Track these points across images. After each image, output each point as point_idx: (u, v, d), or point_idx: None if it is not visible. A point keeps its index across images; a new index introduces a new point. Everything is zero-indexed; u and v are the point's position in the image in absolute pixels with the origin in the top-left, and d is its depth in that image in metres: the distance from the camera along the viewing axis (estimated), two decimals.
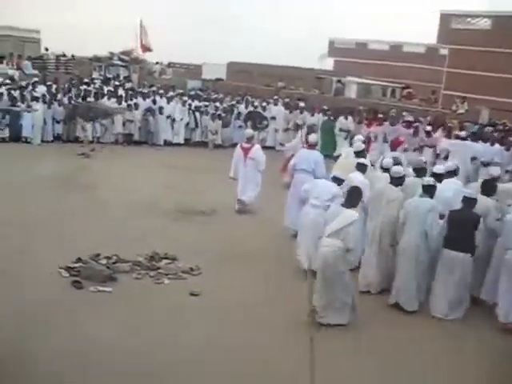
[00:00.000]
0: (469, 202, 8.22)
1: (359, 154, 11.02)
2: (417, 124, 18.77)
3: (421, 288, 8.38)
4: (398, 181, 8.95)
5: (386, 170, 9.84)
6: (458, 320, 8.18)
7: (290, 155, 14.98)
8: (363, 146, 11.71)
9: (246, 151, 12.78)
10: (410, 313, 8.26)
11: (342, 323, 7.59)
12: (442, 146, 16.31)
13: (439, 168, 9.85)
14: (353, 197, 7.87)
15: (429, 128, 18.01)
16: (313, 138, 12.08)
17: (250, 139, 13.03)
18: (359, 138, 13.15)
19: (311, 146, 11.76)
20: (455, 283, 8.11)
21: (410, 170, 10.14)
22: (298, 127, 16.37)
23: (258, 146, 13.06)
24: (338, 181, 9.26)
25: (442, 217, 8.40)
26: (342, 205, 7.84)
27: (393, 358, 6.94)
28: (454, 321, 8.14)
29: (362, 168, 9.91)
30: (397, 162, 10.02)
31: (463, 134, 16.50)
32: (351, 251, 7.51)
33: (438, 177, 9.32)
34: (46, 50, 29.47)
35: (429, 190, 8.46)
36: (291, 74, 31.47)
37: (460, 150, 15.46)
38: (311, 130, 16.05)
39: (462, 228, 8.06)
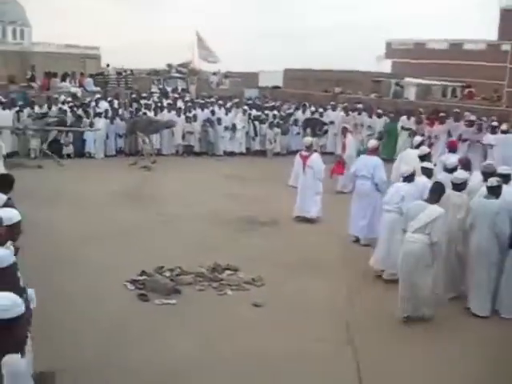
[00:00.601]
0: None
1: (424, 157, 10.81)
2: (480, 122, 18.38)
3: (491, 291, 8.15)
4: (459, 186, 8.69)
5: (449, 170, 9.60)
6: None
7: (340, 159, 14.97)
8: (428, 149, 11.52)
9: (304, 159, 12.72)
10: (481, 317, 8.06)
11: (422, 316, 7.78)
12: (487, 141, 16.14)
13: (505, 169, 9.49)
14: (436, 192, 7.90)
15: (495, 123, 17.52)
16: (372, 143, 11.92)
17: (308, 147, 12.94)
18: (418, 139, 12.93)
19: (371, 152, 11.61)
20: None
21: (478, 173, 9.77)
22: (344, 131, 16.14)
23: (316, 155, 12.95)
24: (408, 178, 9.17)
25: None
26: (425, 200, 7.88)
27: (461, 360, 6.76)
28: None
29: (427, 172, 9.62)
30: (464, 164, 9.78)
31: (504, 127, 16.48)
32: (437, 244, 7.64)
33: (504, 177, 8.97)
34: (108, 65, 30.24)
35: (495, 191, 8.17)
36: (348, 78, 31.22)
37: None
38: (381, 135, 16.21)
39: None
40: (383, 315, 7.98)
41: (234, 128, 21.25)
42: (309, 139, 13.71)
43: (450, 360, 6.85)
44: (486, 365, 6.90)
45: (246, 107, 22.71)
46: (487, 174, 8.99)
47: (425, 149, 11.29)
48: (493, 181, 8.33)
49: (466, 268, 8.47)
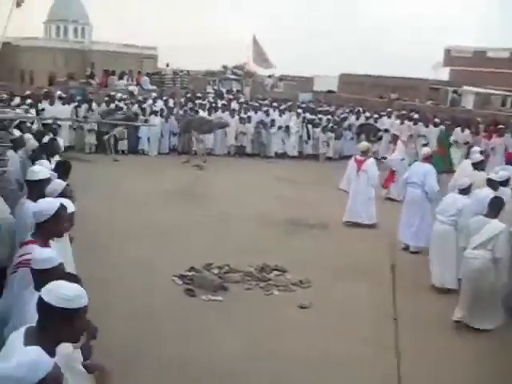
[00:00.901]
0: None
1: (477, 165, 10.57)
2: None
3: None
4: None
5: (502, 183, 9.31)
6: None
7: (391, 168, 14.87)
8: (481, 157, 11.26)
9: (359, 164, 12.61)
10: None
11: (490, 328, 7.61)
12: None
13: None
14: (495, 207, 7.71)
15: None
16: (426, 150, 11.82)
17: (364, 152, 12.82)
18: (476, 149, 12.64)
19: (425, 159, 11.43)
20: None
21: None
22: (395, 138, 16.05)
23: (372, 160, 12.83)
24: (464, 191, 8.91)
25: None
26: (485, 215, 7.71)
27: None
28: None
29: (492, 184, 9.14)
30: None
31: None
32: (500, 260, 7.47)
33: None
34: (167, 65, 30.70)
35: None
36: (404, 84, 30.83)
37: None
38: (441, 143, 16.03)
39: None
40: (431, 322, 7.83)
41: (287, 130, 21.25)
42: (365, 144, 13.61)
43: (494, 372, 6.67)
44: None
45: (299, 110, 22.68)
46: None
47: (479, 156, 11.02)
48: None
49: None
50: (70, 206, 5.10)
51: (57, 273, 3.62)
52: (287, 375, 6.30)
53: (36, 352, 2.69)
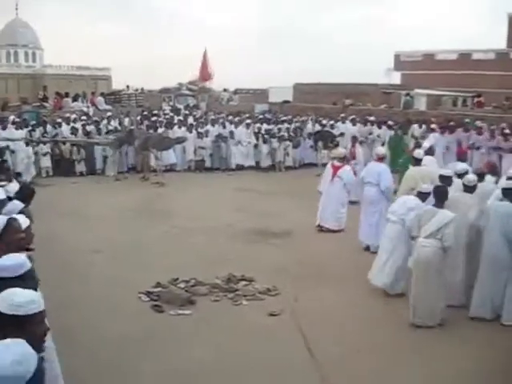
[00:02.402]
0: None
1: (418, 161, 10.99)
2: (492, 128, 18.39)
3: (499, 295, 7.98)
4: (471, 189, 8.64)
5: (460, 176, 9.51)
6: None
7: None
8: (422, 153, 11.45)
9: (335, 169, 12.73)
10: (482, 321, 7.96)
11: (432, 325, 7.70)
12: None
13: None
14: (442, 196, 7.92)
15: (507, 131, 17.51)
16: (380, 150, 12.05)
17: (342, 159, 12.92)
18: (425, 145, 12.88)
19: (379, 159, 11.64)
20: None
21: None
22: (354, 141, 16.31)
23: (348, 167, 12.94)
24: (424, 196, 8.69)
25: None
26: (434, 205, 7.90)
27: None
28: None
29: (446, 181, 9.04)
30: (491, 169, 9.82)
31: None
32: (449, 249, 7.64)
33: None
34: (127, 87, 30.60)
35: (509, 194, 8.09)
36: (357, 90, 31.26)
37: None
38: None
39: None
40: (392, 322, 7.92)
41: (240, 142, 21.31)
42: (342, 151, 13.65)
43: (456, 366, 6.79)
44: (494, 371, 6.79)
45: (248, 121, 22.66)
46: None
47: (420, 152, 11.28)
48: (509, 183, 8.29)
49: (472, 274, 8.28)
50: (25, 221, 5.03)
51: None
52: (257, 381, 6.30)
53: (22, 345, 2.69)
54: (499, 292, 7.96)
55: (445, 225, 7.56)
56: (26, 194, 6.92)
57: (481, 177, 9.34)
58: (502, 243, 7.88)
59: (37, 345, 3.04)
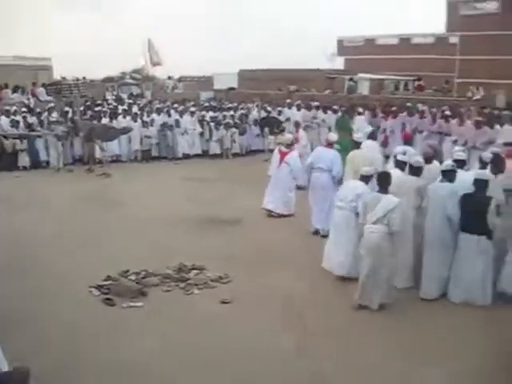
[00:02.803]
0: (480, 184, 8.10)
1: (358, 144, 11.47)
2: (434, 111, 18.82)
3: (445, 273, 8.31)
4: (417, 171, 8.86)
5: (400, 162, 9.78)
6: (483, 307, 8.05)
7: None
8: (362, 137, 11.89)
9: (283, 155, 12.82)
10: (431, 301, 8.26)
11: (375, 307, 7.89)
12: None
13: (460, 154, 9.71)
14: (385, 181, 8.02)
15: (448, 113, 17.97)
16: (331, 136, 12.13)
17: (289, 145, 13.03)
18: (367, 130, 13.14)
19: (329, 145, 11.77)
20: (476, 268, 8.03)
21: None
22: (297, 126, 16.60)
23: (296, 153, 13.05)
24: (366, 178, 8.96)
25: None
26: (378, 191, 8.01)
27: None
28: (478, 308, 8.04)
29: (400, 165, 9.41)
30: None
31: None
32: (397, 233, 7.78)
33: (460, 163, 9.19)
34: (64, 78, 29.85)
35: (448, 175, 8.42)
36: (302, 76, 31.52)
37: None
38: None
39: (475, 211, 7.95)
40: (345, 306, 8.05)
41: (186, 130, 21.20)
42: (289, 137, 13.74)
43: (403, 345, 7.01)
44: (444, 351, 7.04)
45: (192, 109, 22.57)
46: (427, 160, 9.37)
47: (360, 136, 11.65)
48: (447, 165, 8.57)
49: (419, 255, 8.59)
50: None
51: None
52: (211, 370, 6.35)
53: None
54: (445, 271, 8.26)
55: (390, 210, 7.69)
56: None
57: (428, 161, 9.55)
58: (444, 224, 8.16)
59: None
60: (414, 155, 9.80)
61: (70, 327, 7.32)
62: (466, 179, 8.51)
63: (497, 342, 7.09)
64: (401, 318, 7.76)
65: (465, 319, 7.72)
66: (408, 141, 13.32)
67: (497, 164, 9.06)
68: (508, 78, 30.40)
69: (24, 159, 18.87)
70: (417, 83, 31.16)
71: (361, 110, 20.49)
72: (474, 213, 7.95)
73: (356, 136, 11.94)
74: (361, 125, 17.47)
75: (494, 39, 34.56)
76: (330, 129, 20.08)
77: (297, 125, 16.80)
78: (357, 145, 11.49)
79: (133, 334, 7.21)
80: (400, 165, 9.39)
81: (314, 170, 11.49)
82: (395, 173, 9.01)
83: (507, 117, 17.04)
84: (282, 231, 11.66)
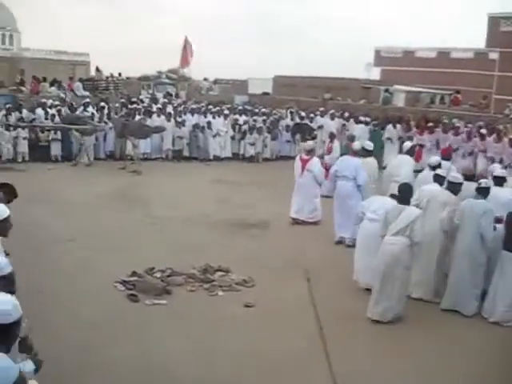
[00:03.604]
0: None
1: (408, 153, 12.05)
2: (469, 128, 18.53)
3: (477, 291, 8.21)
4: (455, 187, 8.73)
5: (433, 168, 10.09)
6: None
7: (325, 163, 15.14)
8: (410, 145, 12.59)
9: (304, 163, 12.74)
10: (466, 317, 8.14)
11: (385, 320, 7.78)
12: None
13: (500, 171, 9.58)
14: (406, 193, 7.97)
15: (483, 131, 17.67)
16: (356, 145, 12.20)
17: (310, 151, 12.93)
18: (407, 144, 13.03)
19: (354, 153, 11.73)
20: None
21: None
22: (332, 136, 16.62)
23: (316, 159, 13.02)
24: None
25: (499, 220, 8.23)
26: (399, 202, 7.92)
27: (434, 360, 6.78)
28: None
29: (439, 180, 9.27)
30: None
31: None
32: (417, 245, 7.73)
33: (499, 180, 9.07)
34: (98, 69, 30.15)
35: (483, 192, 8.31)
36: (337, 84, 31.36)
37: None
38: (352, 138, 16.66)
39: None
40: (362, 316, 7.96)
41: (218, 133, 21.28)
42: (310, 143, 13.71)
43: (417, 354, 6.95)
44: (463, 365, 6.90)
45: (226, 112, 22.65)
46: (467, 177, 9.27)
47: (409, 144, 11.57)
48: (482, 182, 8.46)
49: (448, 269, 8.50)
50: (4, 210, 4.99)
51: None
52: (230, 372, 6.33)
53: (2, 359, 2.70)
54: (476, 286, 8.19)
55: (412, 221, 7.61)
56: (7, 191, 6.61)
57: (467, 179, 9.33)
58: (476, 241, 8.06)
59: (23, 345, 3.09)
60: (451, 170, 9.79)
61: (93, 322, 7.35)
62: (501, 196, 8.38)
63: None
64: (417, 328, 7.69)
65: (483, 335, 7.62)
66: (447, 157, 13.09)
67: None
68: None
69: (57, 149, 19.09)
70: (453, 96, 30.75)
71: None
72: None
73: (354, 144, 12.34)
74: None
75: None
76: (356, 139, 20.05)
77: (331, 136, 16.77)
78: (368, 153, 12.00)
79: (156, 331, 7.22)
80: (438, 179, 9.24)
81: (339, 179, 11.47)
82: (431, 186, 9.01)
83: None
84: (308, 238, 11.60)
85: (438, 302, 8.47)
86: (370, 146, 12.44)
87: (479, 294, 8.23)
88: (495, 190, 8.59)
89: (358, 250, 9.25)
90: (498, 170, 9.66)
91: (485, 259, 8.16)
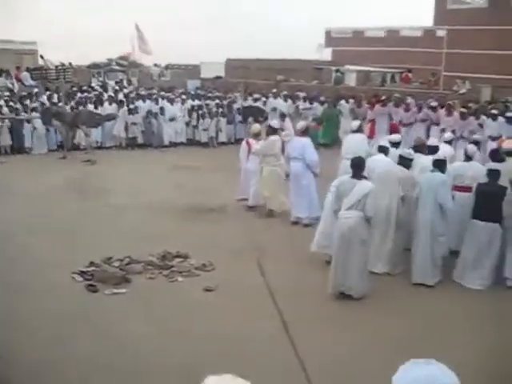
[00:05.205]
0: (494, 174, 8.45)
1: (356, 131, 12.36)
2: (420, 102, 19.08)
3: (439, 262, 8.54)
4: (407, 162, 8.96)
5: (394, 145, 10.55)
6: (488, 289, 8.35)
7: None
8: (358, 123, 12.81)
9: (250, 146, 12.76)
10: (431, 287, 8.44)
11: (356, 296, 7.92)
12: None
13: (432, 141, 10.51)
14: (360, 167, 8.06)
15: (434, 104, 18.24)
16: (300, 124, 12.29)
17: (256, 135, 12.88)
18: (355, 123, 13.22)
19: (302, 133, 11.85)
20: (485, 253, 8.37)
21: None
22: (282, 116, 16.88)
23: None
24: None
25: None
26: (352, 177, 7.98)
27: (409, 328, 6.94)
28: (482, 290, 8.35)
29: (384, 150, 10.19)
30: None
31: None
32: (371, 219, 7.83)
33: (432, 148, 9.76)
34: (41, 57, 29.42)
35: (439, 165, 8.59)
36: (289, 66, 31.42)
37: None
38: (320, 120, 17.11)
39: (489, 199, 8.32)
40: (323, 295, 8.07)
41: (174, 118, 21.13)
42: (257, 126, 13.65)
43: (383, 331, 7.07)
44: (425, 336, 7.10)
45: (184, 97, 22.59)
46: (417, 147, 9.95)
47: (397, 137, 11.60)
48: (439, 155, 8.79)
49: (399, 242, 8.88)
50: None
51: None
52: (192, 355, 6.34)
53: None
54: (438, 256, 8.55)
55: (365, 195, 7.71)
56: None
57: (419, 149, 9.95)
58: (436, 211, 8.37)
59: None
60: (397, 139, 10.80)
61: (52, 313, 7.29)
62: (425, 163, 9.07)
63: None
64: (382, 304, 7.83)
65: (455, 303, 7.88)
66: (395, 132, 13.36)
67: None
68: (494, 72, 30.55)
69: (6, 139, 18.60)
70: (404, 74, 31.16)
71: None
72: (487, 201, 8.30)
73: (298, 124, 12.55)
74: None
75: (481, 33, 34.68)
76: (314, 119, 20.33)
77: (282, 115, 17.02)
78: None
79: (116, 320, 7.20)
80: (382, 149, 10.05)
81: (291, 160, 11.55)
82: (381, 161, 9.23)
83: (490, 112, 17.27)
84: (265, 221, 11.67)
85: (395, 275, 8.77)
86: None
87: (441, 264, 8.57)
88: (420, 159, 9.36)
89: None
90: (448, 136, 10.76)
91: (444, 229, 8.49)
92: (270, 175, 11.72)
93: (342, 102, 21.80)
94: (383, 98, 19.98)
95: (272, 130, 12.15)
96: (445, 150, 9.95)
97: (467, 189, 9.04)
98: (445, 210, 8.37)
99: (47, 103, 19.97)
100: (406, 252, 8.95)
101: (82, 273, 8.57)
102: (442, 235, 8.47)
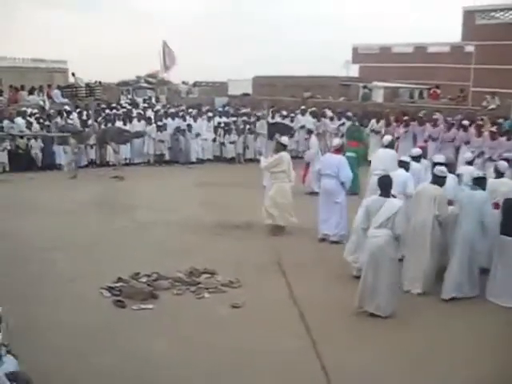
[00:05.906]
0: None
1: (387, 146, 12.12)
2: (449, 120, 18.90)
3: (476, 278, 8.55)
4: (440, 180, 8.88)
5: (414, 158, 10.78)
6: None
7: (306, 163, 15.33)
8: (390, 138, 12.59)
9: None
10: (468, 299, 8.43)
11: (384, 315, 7.83)
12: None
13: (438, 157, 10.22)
14: (387, 185, 8.03)
15: (466, 122, 17.94)
16: (336, 141, 12.22)
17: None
18: (387, 138, 13.12)
19: (336, 151, 11.77)
20: None
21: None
22: (309, 133, 16.96)
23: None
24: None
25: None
26: (380, 195, 7.97)
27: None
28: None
29: (404, 165, 10.21)
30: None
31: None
32: (400, 238, 7.81)
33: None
34: (73, 74, 29.92)
35: (479, 182, 8.65)
36: (316, 83, 31.43)
37: None
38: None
39: None
40: (351, 310, 8.01)
41: (199, 134, 21.30)
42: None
43: (409, 347, 7.00)
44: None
45: (210, 114, 22.72)
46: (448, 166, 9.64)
47: (388, 138, 11.71)
48: (479, 173, 8.86)
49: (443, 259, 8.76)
50: None
51: None
52: (220, 370, 6.35)
53: None
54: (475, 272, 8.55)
55: (394, 214, 7.68)
56: None
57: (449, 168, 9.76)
58: (477, 228, 8.38)
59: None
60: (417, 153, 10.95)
61: (81, 330, 7.34)
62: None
63: None
64: (411, 321, 7.77)
65: (486, 321, 7.78)
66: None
67: None
68: None
69: (39, 159, 18.93)
70: (432, 90, 30.94)
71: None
72: None
73: (334, 141, 12.58)
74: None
75: (510, 48, 34.39)
76: (342, 135, 20.17)
77: (309, 132, 17.00)
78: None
79: (144, 336, 7.22)
80: (403, 165, 10.31)
81: (323, 177, 11.51)
82: (400, 176, 9.66)
83: None
84: (291, 237, 11.65)
85: (433, 294, 8.61)
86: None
87: (477, 281, 8.56)
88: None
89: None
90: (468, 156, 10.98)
91: (484, 247, 8.48)
92: (276, 192, 11.72)
93: (373, 121, 21.07)
94: (405, 118, 19.74)
95: (281, 147, 12.12)
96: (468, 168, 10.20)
97: (498, 206, 8.92)
98: (486, 227, 8.36)
99: (78, 121, 20.26)
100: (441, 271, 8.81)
101: (110, 288, 8.63)
102: (480, 253, 8.46)
